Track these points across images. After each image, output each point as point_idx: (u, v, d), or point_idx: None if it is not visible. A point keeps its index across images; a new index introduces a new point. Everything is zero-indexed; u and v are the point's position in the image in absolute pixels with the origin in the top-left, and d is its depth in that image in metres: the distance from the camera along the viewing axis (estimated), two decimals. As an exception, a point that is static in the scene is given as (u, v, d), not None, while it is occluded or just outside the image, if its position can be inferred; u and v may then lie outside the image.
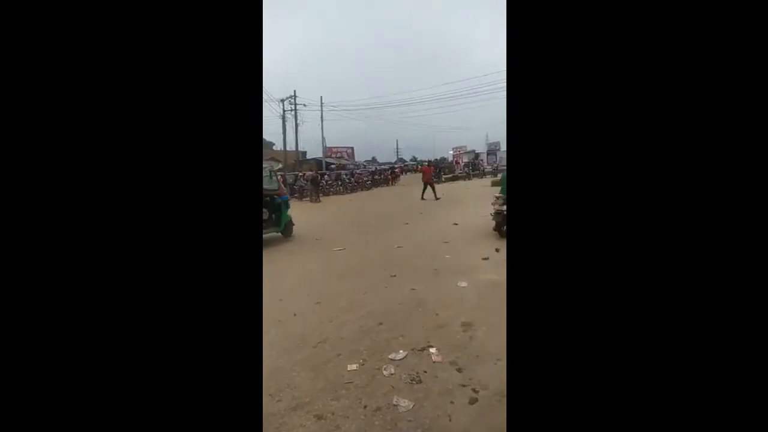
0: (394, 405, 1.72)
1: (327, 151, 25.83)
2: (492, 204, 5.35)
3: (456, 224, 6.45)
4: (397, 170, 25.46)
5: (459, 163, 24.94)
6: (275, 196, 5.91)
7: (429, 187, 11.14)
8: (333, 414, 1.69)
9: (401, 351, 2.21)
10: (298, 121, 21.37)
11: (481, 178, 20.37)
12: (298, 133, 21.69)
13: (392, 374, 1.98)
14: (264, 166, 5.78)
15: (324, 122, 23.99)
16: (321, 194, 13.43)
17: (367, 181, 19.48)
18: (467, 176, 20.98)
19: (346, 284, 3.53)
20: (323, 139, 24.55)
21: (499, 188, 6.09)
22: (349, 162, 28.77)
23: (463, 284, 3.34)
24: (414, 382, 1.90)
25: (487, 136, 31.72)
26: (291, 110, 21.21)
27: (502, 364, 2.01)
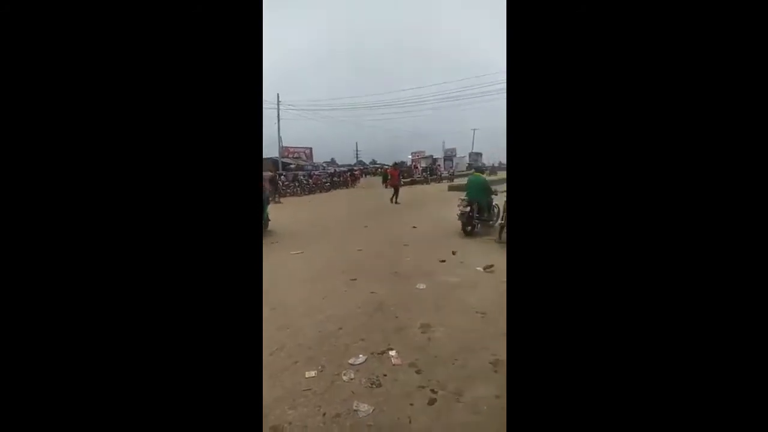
0: (354, 410, 1.70)
1: (284, 150, 25.06)
2: (458, 206, 5.75)
3: (415, 227, 6.57)
4: (356, 172, 25.42)
5: (417, 167, 25.53)
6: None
7: (396, 190, 11.18)
8: (290, 424, 1.62)
9: (361, 355, 2.19)
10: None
11: (439, 182, 21.02)
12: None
13: (352, 379, 1.95)
14: None
15: (281, 121, 23.29)
16: (278, 195, 12.97)
17: (326, 182, 19.19)
18: (425, 180, 21.52)
19: (304, 289, 3.43)
20: (279, 138, 23.77)
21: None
22: (307, 163, 28.14)
23: (422, 286, 3.40)
24: (374, 386, 1.89)
25: (444, 142, 32.91)
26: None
27: (460, 363, 2.08)
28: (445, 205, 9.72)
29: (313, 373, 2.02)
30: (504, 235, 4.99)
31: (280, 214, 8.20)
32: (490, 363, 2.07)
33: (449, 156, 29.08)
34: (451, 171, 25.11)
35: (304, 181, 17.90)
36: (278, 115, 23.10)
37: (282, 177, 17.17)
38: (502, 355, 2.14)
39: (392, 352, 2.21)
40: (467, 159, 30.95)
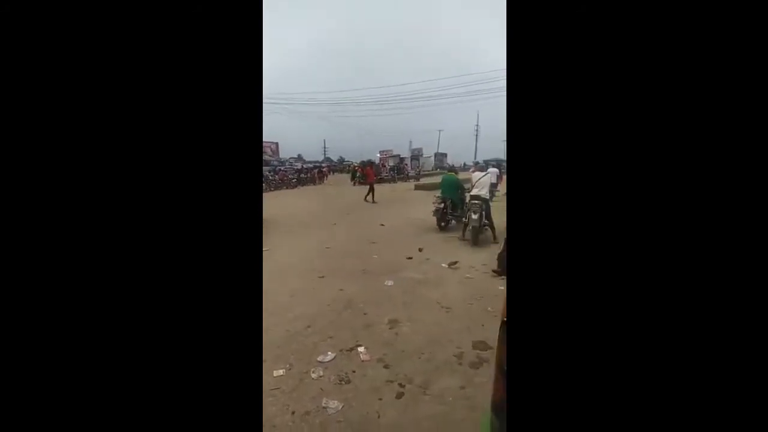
0: (324, 407, 1.70)
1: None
2: (433, 203, 6.17)
3: (383, 225, 6.63)
4: (324, 169, 25.05)
5: (385, 166, 25.68)
6: None
7: (372, 189, 11.00)
8: (257, 425, 1.60)
9: (330, 353, 2.20)
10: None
11: (405, 181, 21.29)
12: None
13: (321, 377, 1.96)
14: None
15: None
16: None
17: (293, 179, 18.74)
18: (393, 179, 21.71)
19: (272, 287, 3.36)
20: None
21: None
22: (273, 158, 27.28)
23: (390, 283, 3.46)
24: (343, 382, 1.91)
25: (410, 142, 33.32)
26: None
27: (426, 357, 2.15)
28: (411, 204, 9.89)
29: (281, 372, 1.99)
30: (467, 233, 5.19)
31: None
32: (455, 356, 2.16)
33: (416, 155, 29.50)
34: (418, 170, 25.52)
35: (270, 178, 17.36)
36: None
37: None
38: (466, 347, 2.24)
39: (361, 349, 2.24)
40: (433, 159, 31.61)
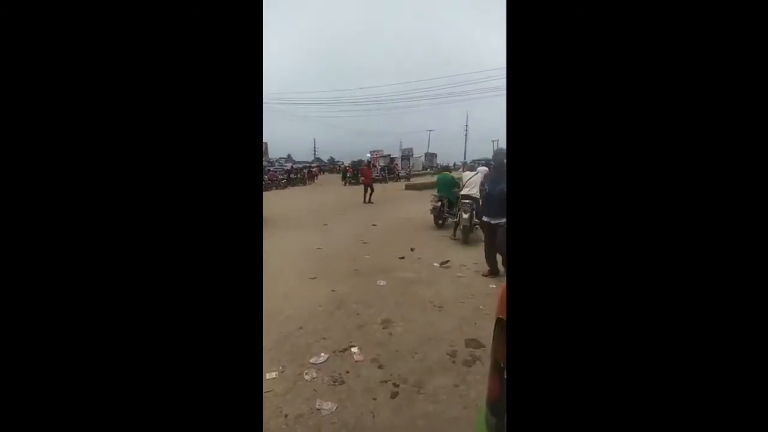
0: (317, 409, 1.69)
1: (237, 145, 23.80)
2: (430, 201, 6.40)
3: (374, 225, 6.63)
4: (314, 170, 24.91)
5: (376, 166, 25.68)
6: None
7: (371, 189, 10.84)
8: (250, 428, 1.58)
9: (323, 354, 2.18)
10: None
11: (396, 181, 21.33)
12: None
13: (314, 378, 1.94)
14: None
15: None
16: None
17: (283, 179, 18.59)
18: (384, 179, 21.71)
19: (264, 289, 3.32)
20: (233, 131, 22.54)
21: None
22: (262, 159, 26.98)
23: (382, 283, 3.46)
24: (336, 383, 1.90)
25: (401, 142, 33.42)
26: None
27: (419, 357, 2.15)
28: (403, 203, 9.92)
29: (274, 375, 1.97)
30: (458, 233, 5.23)
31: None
32: (448, 354, 2.17)
33: (406, 156, 29.58)
34: (408, 170, 25.60)
35: (259, 178, 17.13)
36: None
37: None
38: (459, 346, 2.26)
39: (354, 349, 2.23)
40: (423, 159, 31.76)
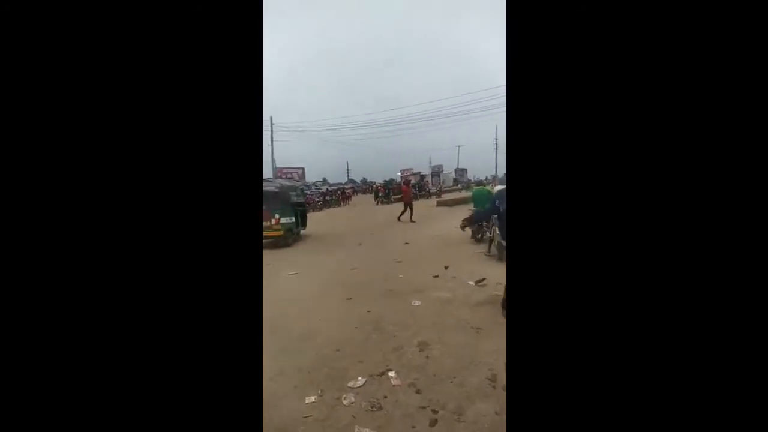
0: (356, 435, 1.69)
1: (277, 172, 25.17)
2: (466, 218, 6.18)
3: (407, 244, 6.62)
4: (348, 191, 25.52)
5: (410, 183, 25.79)
6: (303, 205, 8.95)
7: (408, 208, 10.37)
8: (292, 453, 1.60)
9: (360, 378, 2.18)
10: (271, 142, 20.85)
11: (427, 198, 21.24)
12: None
13: (352, 403, 1.94)
14: (297, 185, 10.49)
15: (274, 143, 23.63)
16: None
17: (319, 201, 19.21)
18: (415, 197, 21.70)
19: (300, 311, 3.41)
20: (273, 160, 23.99)
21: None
22: (300, 183, 28.17)
23: (417, 303, 3.42)
24: (374, 409, 1.88)
25: (430, 158, 33.45)
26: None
27: (458, 381, 2.09)
28: (434, 220, 9.83)
29: (312, 399, 2.00)
30: (493, 249, 5.07)
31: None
32: (488, 379, 2.09)
33: (436, 172, 29.53)
34: (439, 187, 25.44)
35: (298, 202, 17.83)
36: (272, 137, 23.47)
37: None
38: (499, 369, 2.16)
39: (391, 373, 2.21)
40: (453, 175, 31.46)
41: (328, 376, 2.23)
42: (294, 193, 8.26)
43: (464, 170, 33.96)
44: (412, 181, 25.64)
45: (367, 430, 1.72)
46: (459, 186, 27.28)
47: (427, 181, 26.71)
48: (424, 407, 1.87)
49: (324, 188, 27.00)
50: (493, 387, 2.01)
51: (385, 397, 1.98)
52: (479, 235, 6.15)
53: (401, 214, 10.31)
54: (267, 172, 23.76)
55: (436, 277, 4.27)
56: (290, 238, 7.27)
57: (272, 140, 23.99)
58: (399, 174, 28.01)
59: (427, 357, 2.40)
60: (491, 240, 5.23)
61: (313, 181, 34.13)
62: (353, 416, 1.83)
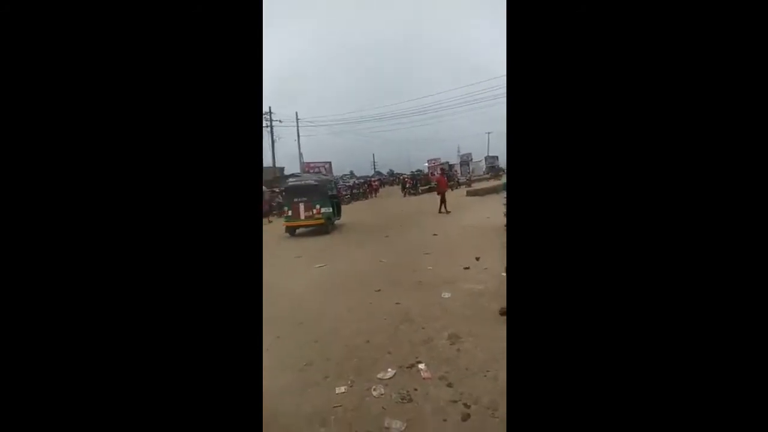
0: (386, 428, 1.66)
1: (304, 166, 25.67)
2: (503, 204, 5.88)
3: (435, 235, 6.51)
4: (375, 184, 25.59)
5: (434, 174, 25.43)
6: (336, 198, 9.60)
7: (443, 198, 9.66)
8: (322, 442, 1.61)
9: (390, 369, 2.16)
10: (274, 138, 21.38)
11: (456, 188, 20.80)
12: (275, 150, 21.70)
13: (382, 394, 1.93)
14: (330, 179, 11.38)
15: (300, 138, 24.06)
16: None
17: (346, 195, 19.42)
18: (443, 187, 21.31)
19: (330, 302, 3.45)
20: (300, 154, 24.50)
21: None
22: (327, 177, 28.64)
23: (447, 295, 3.35)
24: (404, 401, 1.85)
25: (458, 147, 32.62)
26: (266, 126, 21.16)
27: (492, 375, 2.01)
28: (464, 211, 9.60)
29: (342, 389, 2.01)
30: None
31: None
32: (524, 374, 1.99)
33: (465, 161, 28.64)
34: (468, 176, 24.79)
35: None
36: (297, 132, 23.91)
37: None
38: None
39: (421, 365, 2.17)
40: (483, 163, 30.45)
41: (358, 367, 2.22)
42: (329, 186, 9.10)
43: (495, 157, 32.79)
44: (439, 172, 25.27)
45: (398, 422, 1.69)
46: (488, 175, 26.46)
47: (456, 171, 26.13)
48: (455, 401, 1.81)
49: (351, 181, 27.23)
50: (530, 382, 1.91)
51: (416, 389, 1.94)
52: None
53: (441, 206, 9.62)
54: (294, 167, 24.34)
55: (467, 268, 4.16)
56: (329, 226, 8.17)
57: (298, 135, 24.44)
58: (426, 165, 27.62)
59: (458, 350, 2.33)
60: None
61: (340, 174, 34.56)
62: (383, 408, 1.81)
